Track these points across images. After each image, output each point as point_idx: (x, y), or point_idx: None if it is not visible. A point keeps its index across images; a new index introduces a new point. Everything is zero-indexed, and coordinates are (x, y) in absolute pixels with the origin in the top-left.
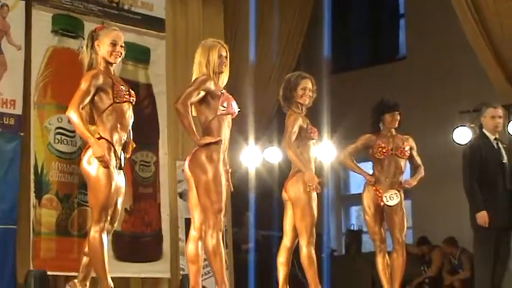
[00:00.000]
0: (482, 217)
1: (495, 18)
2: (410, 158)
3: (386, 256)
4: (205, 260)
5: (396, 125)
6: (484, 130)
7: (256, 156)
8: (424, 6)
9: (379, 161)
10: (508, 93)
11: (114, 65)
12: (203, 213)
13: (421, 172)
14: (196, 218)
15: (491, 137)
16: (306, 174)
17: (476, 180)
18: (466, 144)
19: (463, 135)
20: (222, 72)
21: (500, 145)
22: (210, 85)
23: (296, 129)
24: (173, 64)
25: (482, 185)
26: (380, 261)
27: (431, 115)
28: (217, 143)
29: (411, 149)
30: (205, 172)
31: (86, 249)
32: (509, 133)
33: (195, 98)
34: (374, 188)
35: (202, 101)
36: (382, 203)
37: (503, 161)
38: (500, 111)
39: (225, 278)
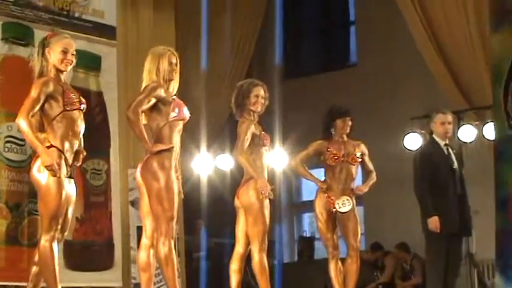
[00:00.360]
0: (434, 222)
1: (444, 24)
2: (362, 164)
3: (339, 262)
4: (157, 268)
5: (348, 131)
6: (434, 136)
7: (208, 164)
8: (374, 13)
9: (330, 167)
10: (458, 99)
11: (64, 72)
12: (155, 220)
13: (373, 178)
14: (147, 226)
15: (442, 143)
16: (259, 181)
17: (427, 186)
18: (416, 150)
19: (413, 141)
20: (172, 80)
21: (450, 151)
22: (161, 92)
23: (249, 136)
24: (124, 72)
25: (433, 191)
26: (333, 268)
27: (382, 121)
28: (169, 150)
29: (363, 154)
30: (157, 179)
31: (36, 258)
32: (459, 139)
33: (145, 106)
34: (326, 194)
35: (153, 108)
36: (334, 210)
37: (454, 167)
38: (449, 117)
39: (177, 286)
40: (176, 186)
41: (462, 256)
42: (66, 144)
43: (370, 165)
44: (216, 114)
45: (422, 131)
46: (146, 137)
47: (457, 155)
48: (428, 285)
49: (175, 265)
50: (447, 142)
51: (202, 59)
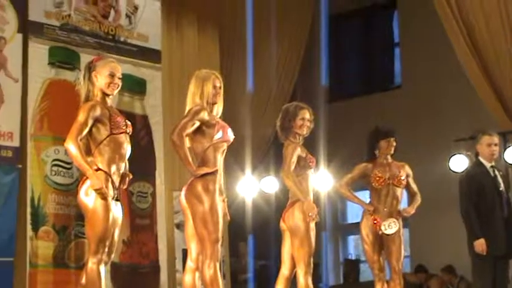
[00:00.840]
0: (480, 245)
1: (489, 44)
2: (407, 186)
3: (385, 285)
4: None
5: (392, 152)
6: (480, 158)
7: (253, 186)
8: (419, 34)
9: (376, 190)
10: (504, 120)
11: (110, 96)
12: (200, 243)
13: (418, 200)
14: (193, 248)
15: (488, 165)
16: (305, 204)
17: (473, 208)
18: (462, 172)
19: (459, 163)
20: (216, 103)
21: (496, 173)
22: (204, 115)
23: (295, 159)
24: (169, 95)
25: (479, 213)
26: None
27: (427, 143)
28: (214, 173)
29: (407, 176)
30: (202, 202)
31: (83, 281)
32: (505, 160)
33: (190, 129)
34: (372, 217)
35: (197, 131)
36: (380, 232)
37: (500, 189)
38: (496, 139)
39: None
40: (221, 208)
41: (509, 278)
42: (113, 168)
43: (415, 187)
44: (260, 136)
45: (468, 153)
46: (190, 160)
47: (503, 177)
48: None
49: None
50: (493, 164)
51: (248, 81)
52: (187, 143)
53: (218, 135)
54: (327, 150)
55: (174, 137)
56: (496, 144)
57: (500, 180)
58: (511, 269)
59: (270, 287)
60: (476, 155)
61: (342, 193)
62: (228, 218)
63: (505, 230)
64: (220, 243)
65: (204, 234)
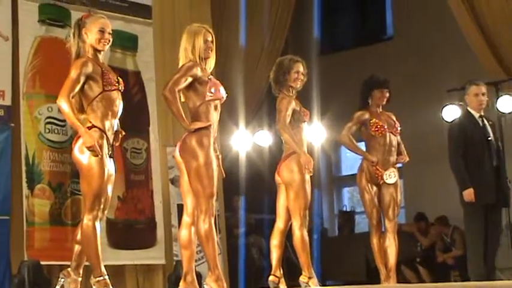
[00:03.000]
0: (469, 194)
1: None
2: None
3: (382, 236)
4: (198, 245)
5: (384, 102)
6: (468, 108)
7: (247, 140)
8: None
9: (374, 139)
10: (496, 70)
11: (102, 52)
12: (195, 198)
13: (404, 149)
14: (188, 203)
15: (476, 115)
16: (303, 157)
17: (462, 158)
18: (450, 122)
19: (452, 113)
20: (208, 58)
21: (485, 122)
22: (197, 71)
23: (290, 112)
24: (161, 50)
25: (468, 163)
26: (375, 242)
27: (419, 94)
28: (207, 128)
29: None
30: (196, 157)
31: (78, 237)
32: (497, 109)
33: (182, 85)
34: (374, 167)
35: (190, 87)
36: (381, 182)
37: (489, 138)
38: (483, 89)
39: (217, 262)
40: (215, 163)
41: (502, 227)
42: (107, 124)
43: (399, 137)
44: (253, 90)
45: (461, 103)
46: (183, 115)
47: (493, 126)
48: (468, 255)
49: (216, 242)
50: (482, 114)
51: (240, 35)
52: (181, 98)
53: (210, 93)
54: (320, 103)
55: (166, 93)
56: (483, 94)
57: (489, 129)
58: (505, 217)
59: (266, 241)
60: (466, 105)
61: (344, 143)
62: (223, 173)
63: (495, 178)
64: (215, 197)
65: (198, 189)
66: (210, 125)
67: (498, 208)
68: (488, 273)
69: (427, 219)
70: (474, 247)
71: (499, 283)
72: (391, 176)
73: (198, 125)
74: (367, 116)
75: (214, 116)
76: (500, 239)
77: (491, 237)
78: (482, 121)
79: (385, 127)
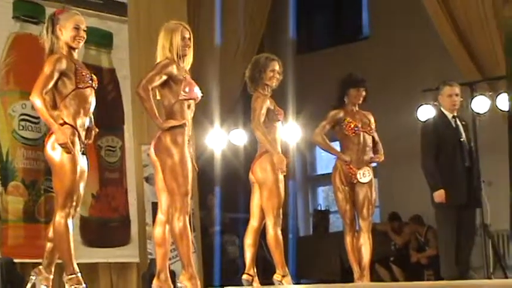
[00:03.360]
0: (439, 195)
1: None
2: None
3: (355, 235)
4: (173, 243)
5: (360, 101)
6: (442, 109)
7: (222, 139)
8: None
9: (348, 138)
10: (471, 70)
11: (76, 50)
12: (170, 196)
13: (381, 148)
14: (163, 201)
15: (449, 115)
16: (275, 157)
17: (434, 159)
18: (423, 122)
19: (427, 113)
20: (186, 55)
21: (458, 123)
22: (173, 69)
23: (264, 110)
24: (137, 48)
25: (440, 163)
26: (349, 241)
27: (395, 94)
28: (181, 126)
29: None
30: (171, 156)
31: (50, 234)
32: (472, 110)
33: (156, 83)
34: (348, 166)
35: (165, 85)
36: (355, 181)
37: (461, 139)
38: (456, 89)
39: (191, 260)
40: (190, 161)
41: (475, 227)
42: (79, 121)
43: (377, 136)
44: (229, 89)
45: (436, 103)
46: (157, 113)
47: (466, 127)
48: (441, 256)
49: (190, 240)
50: (455, 114)
51: (216, 34)
52: (156, 95)
53: (184, 93)
54: (296, 102)
55: (140, 90)
56: (457, 95)
57: (462, 130)
58: (479, 218)
59: (240, 239)
60: (439, 105)
61: (317, 143)
62: (197, 169)
63: (467, 179)
64: (190, 196)
65: (173, 187)
66: (184, 123)
67: (471, 209)
68: (462, 272)
69: (401, 218)
70: (446, 248)
71: (467, 282)
72: (365, 175)
73: (172, 123)
74: (341, 114)
75: (189, 115)
76: (474, 239)
77: (464, 237)
78: (455, 122)
79: (359, 126)
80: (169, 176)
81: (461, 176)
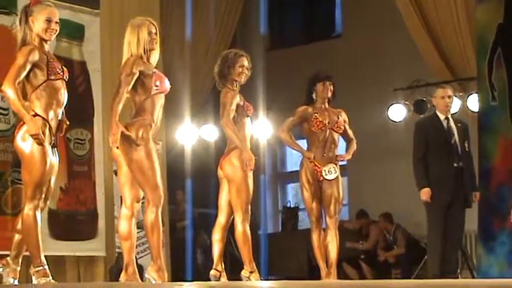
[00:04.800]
0: (424, 193)
1: None
2: (344, 132)
3: (322, 233)
4: (140, 238)
5: (329, 95)
6: (436, 111)
7: (192, 134)
8: None
9: (314, 135)
10: (442, 70)
11: (48, 42)
12: (142, 190)
13: (354, 146)
14: (126, 195)
15: (442, 117)
16: (244, 154)
17: (421, 159)
18: (400, 121)
19: (397, 112)
20: (153, 50)
21: (451, 124)
22: (141, 65)
23: (234, 106)
24: (109, 41)
25: (428, 163)
26: (316, 238)
27: (366, 92)
28: (148, 122)
29: (344, 122)
30: (137, 150)
31: (19, 226)
32: None
33: (131, 84)
34: (312, 163)
35: (136, 81)
36: (321, 178)
37: (451, 141)
38: (449, 91)
39: (161, 254)
40: (155, 155)
41: (462, 228)
42: (51, 113)
43: (351, 133)
44: (200, 84)
45: (406, 102)
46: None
47: (464, 129)
48: (427, 255)
49: (161, 233)
50: (448, 116)
51: (187, 29)
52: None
53: (156, 87)
54: (267, 99)
55: (114, 104)
56: (449, 96)
57: (454, 132)
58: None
59: (208, 235)
60: (433, 108)
61: (283, 139)
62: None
63: (455, 180)
64: (161, 188)
65: (142, 180)
66: (151, 121)
67: (459, 209)
68: (448, 272)
69: (369, 216)
70: (432, 247)
71: (435, 281)
72: (330, 172)
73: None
74: (309, 110)
75: (159, 112)
76: (462, 239)
77: (451, 237)
78: (448, 123)
79: (326, 123)
80: (136, 171)
81: (449, 175)
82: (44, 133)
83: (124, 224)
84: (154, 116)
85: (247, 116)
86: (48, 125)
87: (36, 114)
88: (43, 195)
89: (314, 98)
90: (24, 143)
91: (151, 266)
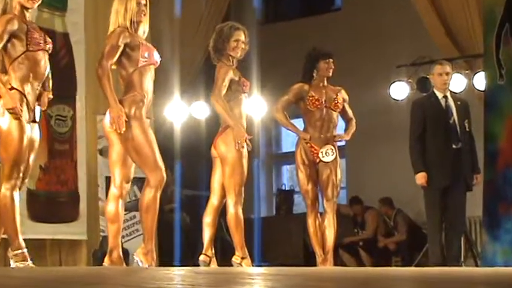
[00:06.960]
0: (420, 178)
1: None
2: (342, 111)
3: (318, 217)
4: (126, 221)
5: (330, 74)
6: (434, 89)
7: (182, 111)
8: None
9: (311, 114)
10: (448, 47)
11: (30, 10)
12: (142, 170)
13: (353, 126)
14: (116, 175)
15: (440, 95)
16: (235, 130)
17: (418, 140)
18: (402, 100)
19: (400, 90)
20: (140, 21)
21: (450, 103)
22: (128, 36)
23: (227, 82)
24: (93, 12)
25: (425, 144)
26: (311, 223)
27: (367, 70)
28: (141, 98)
29: (344, 101)
30: (131, 128)
31: None
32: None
33: (116, 57)
34: (309, 144)
35: (122, 54)
36: (318, 160)
37: (450, 121)
38: (447, 68)
39: (153, 236)
40: (151, 131)
41: (463, 212)
42: (28, 87)
43: (350, 113)
44: (190, 59)
45: (409, 80)
46: (115, 97)
47: (464, 108)
48: (428, 242)
49: (156, 215)
50: (447, 94)
51: (177, 2)
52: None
53: (144, 58)
54: (261, 75)
55: (99, 70)
56: (447, 73)
57: (453, 111)
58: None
59: (199, 218)
60: (430, 85)
61: (277, 118)
62: None
63: (454, 161)
64: (162, 169)
65: (139, 161)
66: (143, 96)
67: (459, 192)
68: (450, 260)
69: (363, 202)
70: (431, 233)
71: (432, 269)
72: (328, 154)
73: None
74: (305, 88)
75: (149, 84)
76: (464, 224)
77: (452, 222)
78: (446, 102)
79: (322, 100)
80: (131, 150)
81: (447, 158)
82: (21, 108)
83: (112, 205)
84: (144, 89)
85: (244, 92)
86: (25, 99)
87: (12, 88)
88: (21, 174)
89: (314, 76)
90: (1, 118)
91: (141, 248)
